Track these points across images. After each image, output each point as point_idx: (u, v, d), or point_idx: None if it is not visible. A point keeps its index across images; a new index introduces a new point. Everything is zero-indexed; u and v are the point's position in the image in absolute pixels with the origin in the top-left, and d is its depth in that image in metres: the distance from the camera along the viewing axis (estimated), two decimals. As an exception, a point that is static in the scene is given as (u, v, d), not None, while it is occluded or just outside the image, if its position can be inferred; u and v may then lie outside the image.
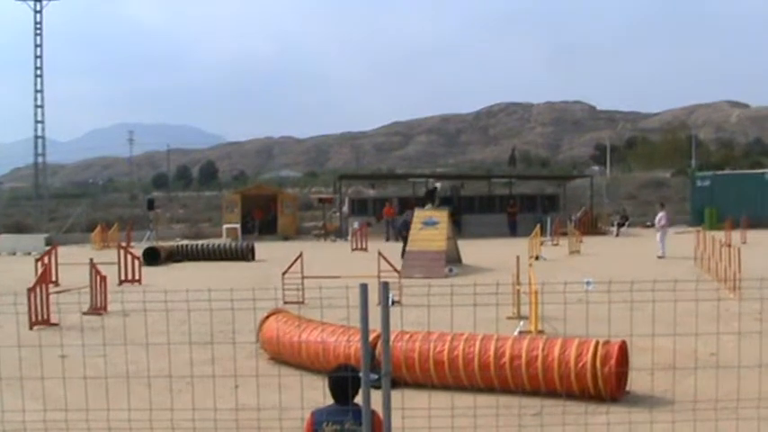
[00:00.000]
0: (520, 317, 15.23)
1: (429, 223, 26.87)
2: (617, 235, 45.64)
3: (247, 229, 49.42)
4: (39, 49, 58.36)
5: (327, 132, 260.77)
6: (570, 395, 9.39)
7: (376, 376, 5.38)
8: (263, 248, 35.79)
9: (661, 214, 30.84)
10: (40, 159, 60.30)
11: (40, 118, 58.32)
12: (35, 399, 9.53)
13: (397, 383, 8.97)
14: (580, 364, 9.55)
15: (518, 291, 15.90)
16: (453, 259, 27.32)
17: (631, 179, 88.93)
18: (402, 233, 31.53)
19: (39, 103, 58.09)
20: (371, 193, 70.59)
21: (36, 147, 59.33)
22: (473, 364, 10.08)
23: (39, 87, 58.12)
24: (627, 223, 48.26)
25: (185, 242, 40.50)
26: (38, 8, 58.31)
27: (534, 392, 9.76)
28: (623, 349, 9.76)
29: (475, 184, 65.28)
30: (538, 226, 34.21)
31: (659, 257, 28.65)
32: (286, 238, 48.17)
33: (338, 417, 5.58)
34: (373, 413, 5.35)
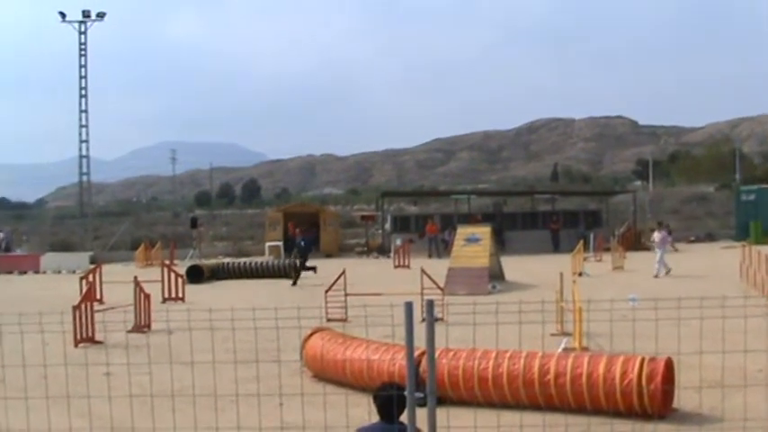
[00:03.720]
0: (564, 333, 15.12)
1: (472, 240, 26.72)
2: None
3: (290, 247, 49.41)
4: (83, 69, 59.14)
5: (369, 149, 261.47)
6: (616, 413, 9.27)
7: (421, 394, 5.35)
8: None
9: (659, 233, 30.20)
10: (84, 178, 60.99)
11: (84, 137, 59.11)
12: (81, 416, 9.59)
13: (442, 401, 8.92)
14: (626, 382, 9.42)
15: (562, 307, 15.80)
16: (496, 276, 27.20)
17: (675, 194, 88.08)
18: (297, 256, 31.33)
19: (83, 122, 58.86)
20: (414, 210, 70.53)
21: (81, 166, 60.07)
22: (518, 382, 10.00)
23: (83, 107, 58.89)
24: (671, 239, 47.75)
25: (228, 260, 40.67)
26: (82, 29, 59.14)
27: (580, 410, 9.66)
28: (669, 366, 9.63)
29: (517, 200, 65.18)
30: (581, 242, 33.95)
31: (655, 277, 28.33)
32: (328, 256, 48.22)
33: (384, 435, 5.56)
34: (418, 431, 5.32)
